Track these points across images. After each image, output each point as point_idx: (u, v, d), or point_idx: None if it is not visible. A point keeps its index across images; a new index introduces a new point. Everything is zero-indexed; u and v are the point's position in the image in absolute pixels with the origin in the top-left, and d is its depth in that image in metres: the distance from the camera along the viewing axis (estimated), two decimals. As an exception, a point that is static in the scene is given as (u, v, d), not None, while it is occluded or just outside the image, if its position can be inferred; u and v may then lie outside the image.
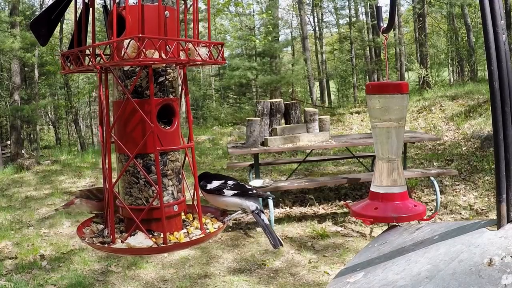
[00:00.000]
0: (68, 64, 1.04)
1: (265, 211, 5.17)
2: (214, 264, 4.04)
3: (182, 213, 1.18)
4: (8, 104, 15.07)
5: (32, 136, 20.67)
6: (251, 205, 1.27)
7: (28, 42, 13.44)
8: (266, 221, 1.27)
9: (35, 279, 3.78)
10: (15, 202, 6.29)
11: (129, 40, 0.93)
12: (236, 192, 1.26)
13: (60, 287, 3.69)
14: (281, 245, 1.24)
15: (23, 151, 12.80)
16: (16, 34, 13.31)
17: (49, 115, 23.22)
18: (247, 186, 1.29)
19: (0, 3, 18.99)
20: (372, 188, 1.29)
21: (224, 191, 1.25)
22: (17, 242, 4.71)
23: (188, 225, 1.16)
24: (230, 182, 1.27)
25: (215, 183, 1.26)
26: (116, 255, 3.86)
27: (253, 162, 5.28)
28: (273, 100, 5.20)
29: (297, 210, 5.38)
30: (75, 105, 20.55)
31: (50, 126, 23.95)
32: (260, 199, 5.23)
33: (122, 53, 0.93)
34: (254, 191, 1.28)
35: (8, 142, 15.10)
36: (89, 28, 1.19)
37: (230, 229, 4.80)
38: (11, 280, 3.75)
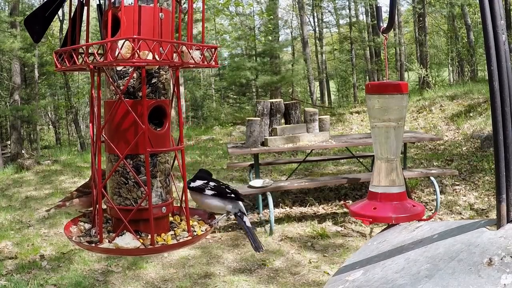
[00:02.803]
0: (62, 62, 1.04)
1: (265, 211, 5.18)
2: (214, 264, 4.04)
3: (170, 215, 1.18)
4: (8, 104, 15.08)
5: (32, 136, 20.67)
6: (232, 207, 1.29)
7: (28, 42, 13.44)
8: (248, 224, 1.29)
9: (35, 279, 3.78)
10: (15, 202, 6.29)
11: (123, 40, 0.93)
12: (215, 193, 1.29)
13: (60, 287, 3.69)
14: (262, 248, 1.26)
15: (23, 151, 12.81)
16: (16, 34, 13.31)
17: (49, 115, 23.23)
18: (227, 189, 1.31)
19: (0, 3, 19.00)
20: (371, 188, 1.29)
21: (206, 190, 1.29)
22: (17, 242, 4.71)
23: (175, 227, 1.16)
24: (211, 183, 1.31)
25: (198, 182, 1.30)
26: (115, 255, 3.86)
27: (253, 162, 5.28)
28: (273, 100, 5.20)
29: (297, 210, 5.38)
30: (75, 105, 20.54)
31: (50, 126, 23.96)
32: (261, 198, 5.18)
33: (116, 53, 0.93)
34: (232, 195, 1.29)
35: (8, 142, 15.11)
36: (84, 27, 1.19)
37: (230, 229, 4.80)
38: (11, 280, 3.75)
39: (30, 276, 3.88)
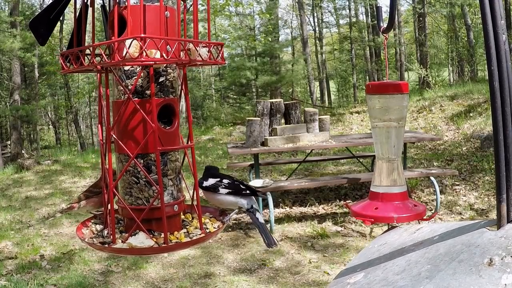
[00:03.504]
0: (68, 64, 1.04)
1: (265, 211, 5.18)
2: (214, 264, 4.04)
3: (181, 213, 1.18)
4: (8, 104, 15.07)
5: (32, 136, 20.67)
6: (246, 203, 1.28)
7: (28, 42, 13.43)
8: (261, 220, 1.28)
9: (35, 279, 3.78)
10: (15, 202, 6.29)
11: (131, 40, 0.93)
12: (230, 191, 1.27)
13: (60, 287, 3.69)
14: (275, 244, 1.24)
15: (23, 151, 12.80)
16: (16, 34, 13.30)
17: (49, 115, 23.22)
18: (241, 186, 1.29)
19: (0, 3, 19.00)
20: (372, 188, 1.29)
21: (219, 189, 1.27)
22: (17, 242, 4.71)
23: (187, 225, 1.16)
24: (225, 181, 1.29)
25: (211, 181, 1.28)
26: (116, 255, 3.86)
27: (253, 162, 5.28)
28: (273, 100, 5.20)
29: (297, 210, 5.38)
30: (75, 105, 20.54)
31: (50, 126, 23.95)
32: (261, 198, 5.19)
33: (124, 53, 0.93)
34: (248, 192, 1.28)
35: (8, 142, 15.10)
36: (89, 28, 1.18)
37: (230, 229, 4.80)
38: (11, 280, 3.75)
39: (30, 276, 3.88)
